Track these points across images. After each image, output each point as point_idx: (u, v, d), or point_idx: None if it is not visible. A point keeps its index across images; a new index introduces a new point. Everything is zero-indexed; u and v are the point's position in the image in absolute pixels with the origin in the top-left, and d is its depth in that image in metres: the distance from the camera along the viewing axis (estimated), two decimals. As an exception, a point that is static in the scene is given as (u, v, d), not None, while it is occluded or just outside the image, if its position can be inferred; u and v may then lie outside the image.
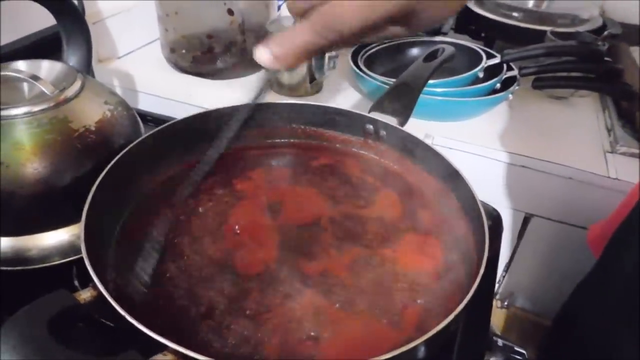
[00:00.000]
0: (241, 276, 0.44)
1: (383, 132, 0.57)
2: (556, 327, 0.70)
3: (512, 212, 0.85)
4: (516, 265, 0.93)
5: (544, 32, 0.97)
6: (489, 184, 0.80)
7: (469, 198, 0.47)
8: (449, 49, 0.65)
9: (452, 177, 0.50)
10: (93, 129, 0.50)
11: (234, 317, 0.40)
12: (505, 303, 0.97)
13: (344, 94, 0.93)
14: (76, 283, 0.47)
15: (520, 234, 0.88)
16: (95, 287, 0.34)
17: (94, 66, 0.92)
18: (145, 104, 0.95)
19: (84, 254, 0.36)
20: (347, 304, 0.42)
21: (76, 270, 0.48)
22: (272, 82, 0.91)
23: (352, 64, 0.89)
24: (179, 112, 0.58)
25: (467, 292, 0.36)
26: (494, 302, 0.97)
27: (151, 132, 0.52)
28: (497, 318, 0.97)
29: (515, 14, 1.07)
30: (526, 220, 0.86)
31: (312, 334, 0.39)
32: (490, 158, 0.80)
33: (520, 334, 0.93)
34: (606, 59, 0.86)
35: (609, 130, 0.86)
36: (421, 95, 0.59)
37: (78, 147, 0.48)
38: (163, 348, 0.30)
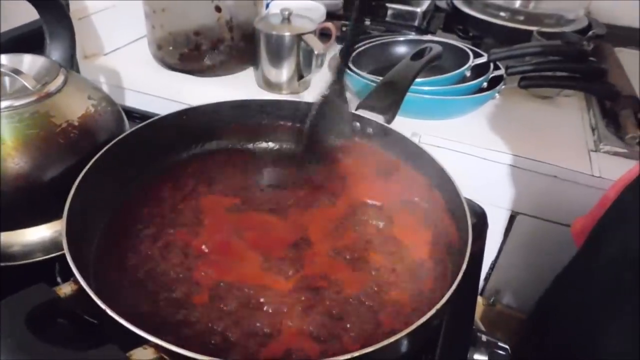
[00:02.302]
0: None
1: (370, 130, 0.57)
2: (534, 318, 0.70)
3: (498, 210, 0.86)
4: (502, 263, 0.93)
5: (531, 31, 0.98)
6: (475, 182, 0.80)
7: (454, 195, 0.47)
8: (436, 48, 0.66)
9: (438, 174, 0.50)
10: (76, 124, 0.49)
11: (213, 313, 0.40)
12: (491, 301, 0.98)
13: (332, 92, 0.93)
14: (59, 280, 0.46)
15: (506, 232, 0.89)
16: (76, 281, 0.33)
17: (79, 62, 0.91)
18: (132, 101, 0.94)
19: (65, 248, 0.35)
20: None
21: (59, 267, 0.47)
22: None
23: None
24: (166, 110, 0.57)
25: (450, 287, 0.36)
26: (480, 300, 0.98)
27: (136, 127, 0.52)
28: (483, 316, 0.97)
29: (502, 14, 1.08)
30: (512, 218, 0.87)
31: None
32: (476, 156, 0.80)
33: (506, 332, 0.94)
34: (591, 59, 0.87)
35: (593, 129, 0.87)
36: (408, 94, 0.60)
37: (60, 142, 0.48)
38: (143, 342, 0.30)
